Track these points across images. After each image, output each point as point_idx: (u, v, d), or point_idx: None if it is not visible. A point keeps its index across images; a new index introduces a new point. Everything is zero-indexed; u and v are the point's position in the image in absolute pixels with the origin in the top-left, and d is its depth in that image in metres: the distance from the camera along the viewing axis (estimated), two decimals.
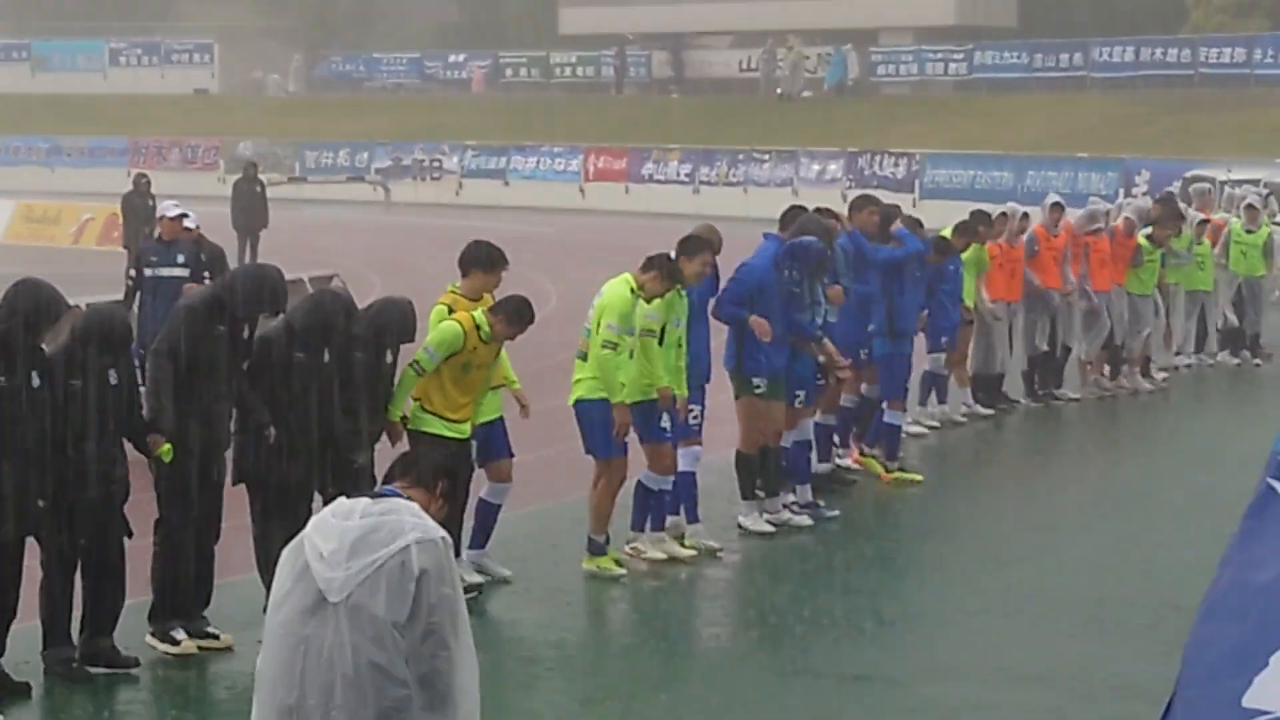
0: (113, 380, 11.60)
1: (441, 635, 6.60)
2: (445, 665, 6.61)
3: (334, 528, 6.67)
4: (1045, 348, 22.75)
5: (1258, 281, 27.15)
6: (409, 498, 6.89)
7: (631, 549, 14.76)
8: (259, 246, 36.81)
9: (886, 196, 33.23)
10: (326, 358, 12.59)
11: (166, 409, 11.81)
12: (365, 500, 6.80)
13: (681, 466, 15.12)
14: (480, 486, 13.98)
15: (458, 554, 13.59)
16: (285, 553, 6.81)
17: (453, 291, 13.71)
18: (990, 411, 22.18)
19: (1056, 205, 23.20)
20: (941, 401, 21.45)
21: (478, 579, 13.86)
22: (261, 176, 39.79)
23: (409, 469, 7.13)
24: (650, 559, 14.77)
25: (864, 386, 18.36)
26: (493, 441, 13.98)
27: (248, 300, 12.34)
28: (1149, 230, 23.95)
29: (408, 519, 6.66)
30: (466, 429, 13.42)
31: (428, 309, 13.73)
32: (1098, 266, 23.12)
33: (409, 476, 7.07)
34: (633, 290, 14.20)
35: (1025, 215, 22.80)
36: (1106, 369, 23.96)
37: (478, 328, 13.25)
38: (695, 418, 15.28)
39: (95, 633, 11.70)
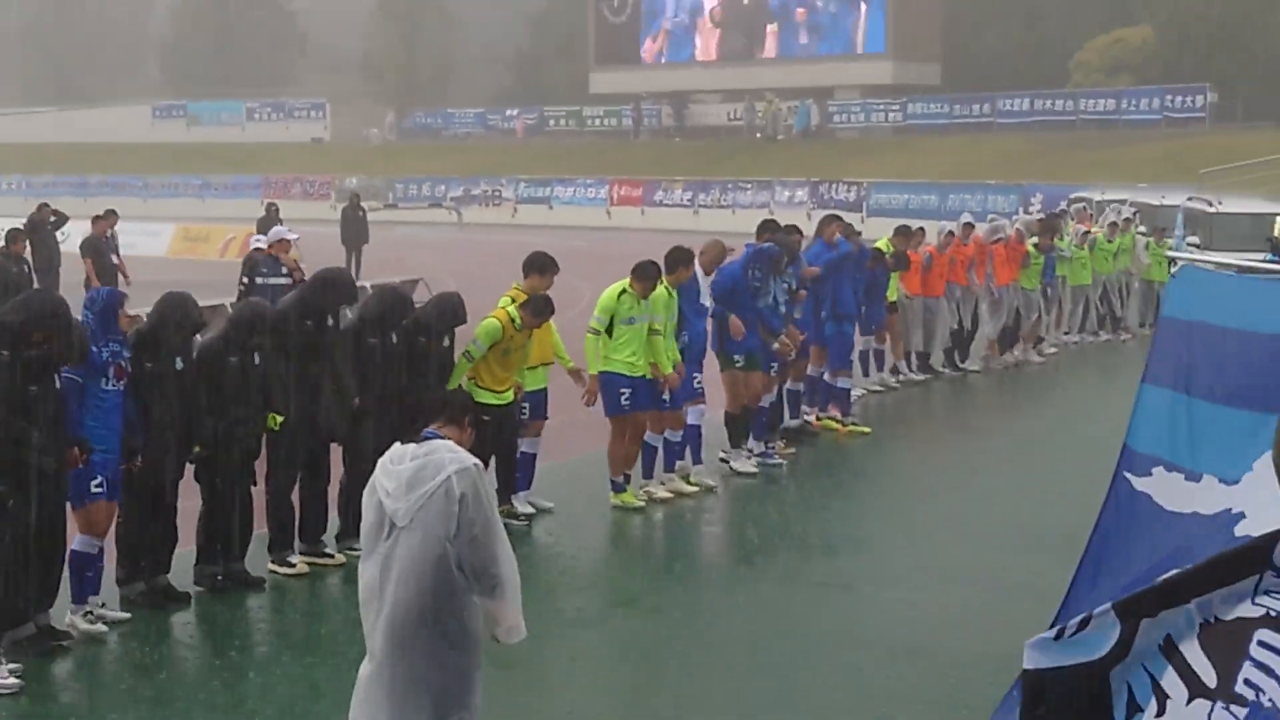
0: (256, 361, 11.59)
1: (483, 539, 6.85)
2: (490, 561, 6.86)
3: (392, 471, 6.94)
4: (955, 327, 22.79)
5: (1114, 279, 27.59)
6: (444, 436, 7.07)
7: (644, 492, 14.73)
8: (362, 259, 36.80)
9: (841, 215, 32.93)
10: (395, 340, 12.63)
11: (274, 389, 11.80)
12: (412, 445, 7.00)
13: (690, 420, 15.12)
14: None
15: (510, 495, 13.66)
16: (365, 491, 7.09)
17: (516, 288, 13.66)
18: (921, 378, 22.24)
19: (968, 224, 23.24)
20: (879, 370, 21.53)
21: (529, 510, 13.90)
22: (363, 204, 39.69)
23: (441, 410, 7.28)
24: (660, 498, 14.73)
25: (809, 366, 18.28)
26: (535, 406, 13.99)
27: (327, 297, 12.30)
28: (1034, 239, 24.05)
29: (445, 455, 6.91)
30: (509, 396, 13.44)
31: (490, 303, 13.75)
32: (999, 267, 23.24)
33: (442, 417, 7.22)
34: (624, 291, 14.18)
35: (950, 233, 22.73)
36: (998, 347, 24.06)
37: (512, 320, 13.27)
38: (699, 383, 15.23)
39: (231, 558, 11.72)
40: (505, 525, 12.61)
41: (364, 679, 7.00)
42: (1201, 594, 4.86)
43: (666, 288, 14.53)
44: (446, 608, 6.83)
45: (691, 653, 10.52)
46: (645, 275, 14.19)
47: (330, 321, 12.31)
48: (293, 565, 12.10)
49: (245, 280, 19.92)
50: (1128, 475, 6.70)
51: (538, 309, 13.39)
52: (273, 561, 12.12)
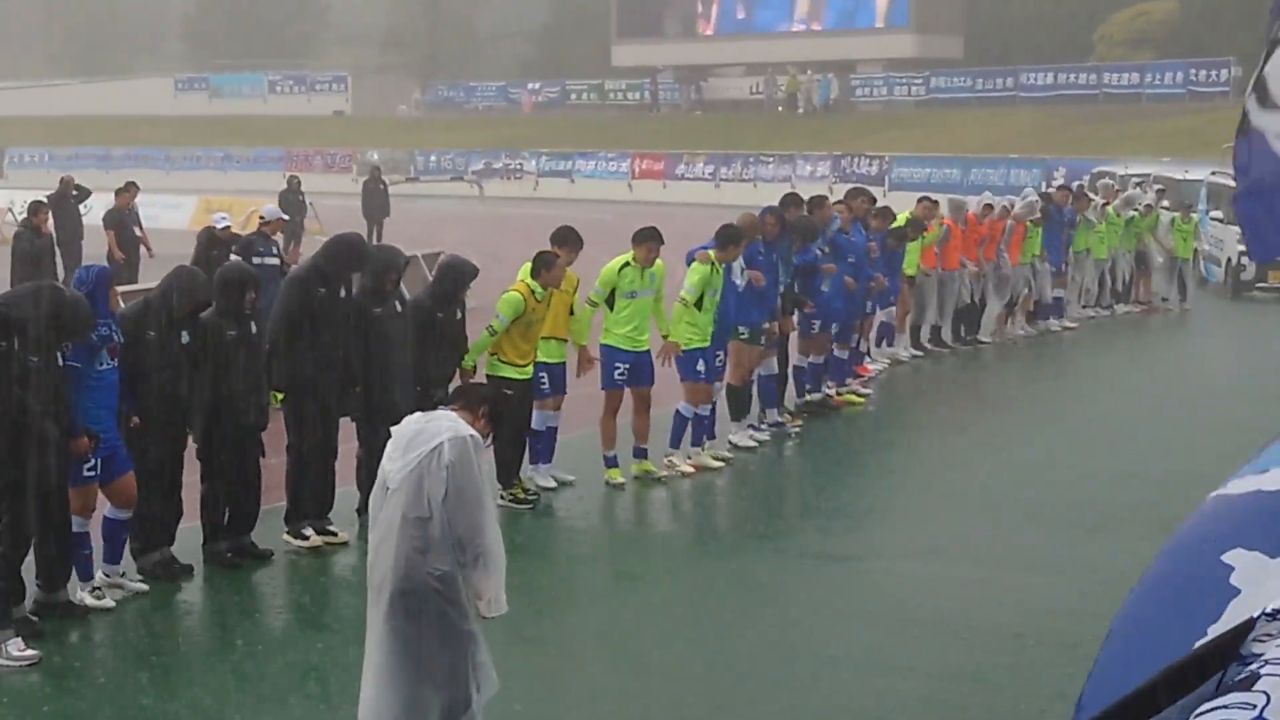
0: (253, 330, 11.56)
1: (470, 509, 6.99)
2: (475, 532, 7.00)
3: (396, 435, 7.20)
4: (968, 300, 22.86)
5: (1121, 252, 27.44)
6: (457, 415, 7.27)
7: (668, 463, 14.76)
8: (383, 232, 36.89)
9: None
10: (399, 309, 12.54)
11: (280, 362, 11.81)
12: (419, 414, 7.30)
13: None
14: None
15: (521, 471, 13.68)
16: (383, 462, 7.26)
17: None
18: (921, 353, 22.33)
19: (988, 205, 23.23)
20: (890, 345, 21.61)
21: (550, 484, 13.92)
22: (384, 178, 39.79)
23: (460, 395, 7.66)
24: (683, 471, 14.76)
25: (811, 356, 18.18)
26: (555, 380, 13.96)
27: (338, 264, 12.23)
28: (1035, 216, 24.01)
29: (444, 424, 7.11)
30: (530, 371, 13.46)
31: (511, 277, 13.78)
32: (1015, 245, 23.31)
33: (459, 400, 7.53)
34: (626, 265, 14.18)
35: (968, 209, 22.82)
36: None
37: (533, 292, 13.30)
38: (720, 362, 15.29)
39: (239, 531, 11.74)
40: (518, 500, 12.75)
41: (367, 646, 7.19)
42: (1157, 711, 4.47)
43: (714, 263, 14.57)
44: (430, 570, 6.95)
45: (702, 626, 10.60)
46: (645, 238, 14.16)
47: (342, 291, 12.26)
48: (306, 537, 12.09)
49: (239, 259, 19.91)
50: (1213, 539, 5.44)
51: (542, 267, 13.36)
52: (288, 533, 12.12)
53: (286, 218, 20.69)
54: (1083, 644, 9.96)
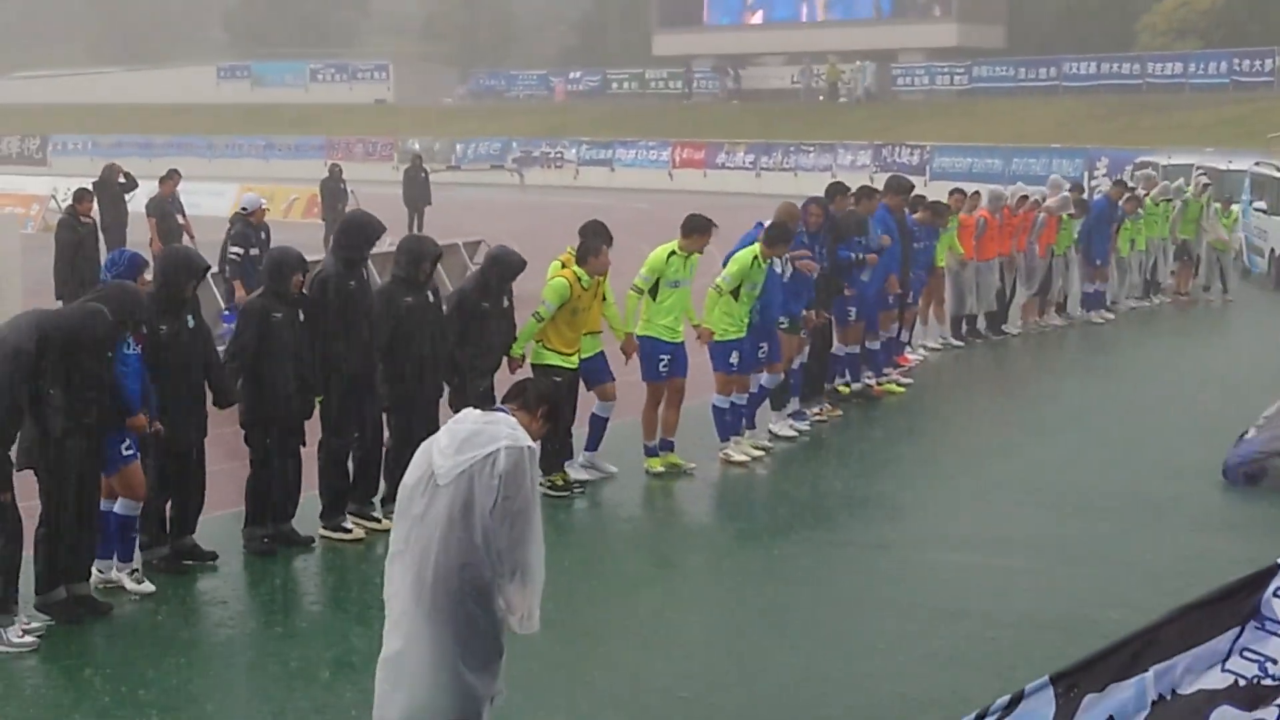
0: (300, 318, 11.55)
1: (516, 521, 6.79)
2: (518, 545, 6.81)
3: (453, 429, 6.96)
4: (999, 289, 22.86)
5: (1156, 243, 27.30)
6: (515, 416, 7.05)
7: (723, 455, 14.77)
8: (424, 220, 36.98)
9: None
10: (431, 299, 12.41)
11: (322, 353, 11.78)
12: (479, 412, 7.03)
13: (765, 383, 15.43)
14: (590, 405, 14.05)
15: (572, 455, 13.74)
16: (420, 448, 7.11)
17: (569, 251, 13.60)
18: (962, 344, 22.31)
19: (1024, 196, 23.16)
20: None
21: (585, 476, 13.89)
22: (426, 166, 39.85)
23: (519, 394, 7.23)
24: (736, 460, 14.76)
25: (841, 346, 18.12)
26: (598, 371, 13.96)
27: (354, 245, 12.15)
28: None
29: (503, 429, 6.88)
30: (575, 361, 13.46)
31: (546, 265, 13.77)
32: (1046, 237, 23.24)
33: (518, 400, 7.18)
34: (673, 253, 14.12)
35: (1004, 201, 22.77)
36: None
37: (579, 279, 13.31)
38: (763, 353, 15.26)
39: (280, 519, 11.76)
40: (559, 492, 12.69)
41: (390, 646, 6.98)
42: (1167, 658, 4.35)
43: (757, 257, 14.57)
44: (471, 576, 6.81)
45: (738, 615, 10.62)
46: (695, 228, 14.09)
47: (365, 275, 12.25)
48: (348, 530, 12.05)
49: (238, 251, 19.80)
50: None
51: (584, 256, 13.37)
52: (325, 527, 12.09)
53: (267, 207, 20.67)
54: (1115, 631, 9.94)
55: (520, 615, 6.88)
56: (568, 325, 13.34)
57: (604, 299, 13.82)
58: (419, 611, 6.85)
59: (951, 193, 21.98)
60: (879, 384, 18.46)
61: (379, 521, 12.08)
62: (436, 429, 7.30)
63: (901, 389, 18.63)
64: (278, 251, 12.04)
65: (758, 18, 73.41)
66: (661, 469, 14.31)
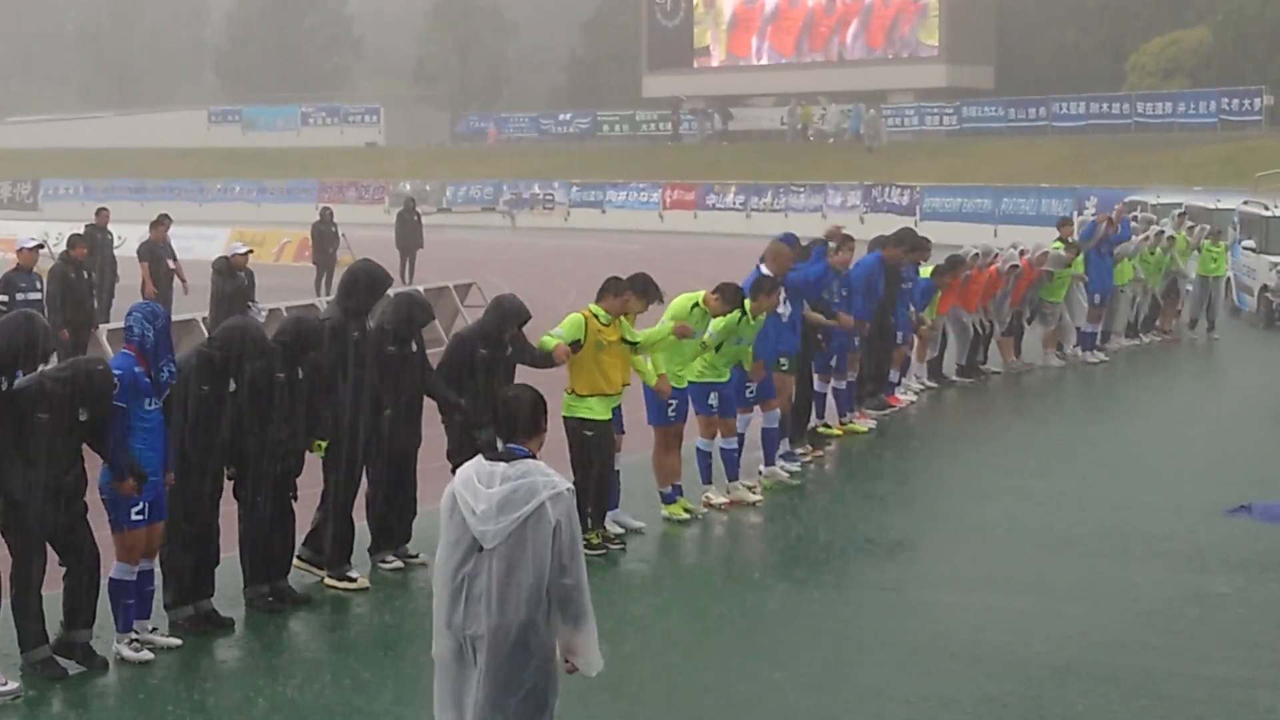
0: (300, 375, 11.31)
1: (572, 569, 6.81)
2: (576, 589, 6.84)
3: (483, 493, 6.81)
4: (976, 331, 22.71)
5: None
6: (529, 450, 6.96)
7: (705, 500, 14.69)
8: (416, 263, 36.99)
9: (894, 220, 32.79)
10: (414, 349, 12.29)
11: (323, 412, 11.59)
12: (502, 465, 6.86)
13: (764, 425, 15.51)
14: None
15: (602, 517, 13.46)
16: (443, 507, 6.97)
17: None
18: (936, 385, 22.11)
19: (981, 253, 22.95)
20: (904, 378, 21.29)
21: (619, 530, 13.64)
22: (417, 208, 39.88)
23: (516, 427, 7.00)
24: (716, 504, 14.67)
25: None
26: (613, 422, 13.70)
27: (363, 297, 12.08)
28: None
29: (539, 479, 6.81)
30: (608, 411, 13.12)
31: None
32: (1022, 287, 23.07)
33: (523, 433, 7.00)
34: (696, 305, 14.06)
35: (976, 255, 22.64)
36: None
37: (595, 315, 13.03)
38: (751, 393, 15.22)
39: (275, 575, 11.46)
40: (592, 547, 12.49)
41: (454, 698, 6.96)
42: None
43: (745, 314, 14.46)
44: (541, 635, 6.81)
45: (749, 659, 10.54)
46: (729, 299, 14.03)
47: (368, 326, 12.11)
48: (353, 580, 11.88)
49: (4, 299, 18.01)
50: None
51: (611, 288, 13.17)
52: (330, 577, 11.93)
53: (41, 245, 19.51)
54: (1126, 676, 9.94)
55: (586, 659, 6.95)
56: (596, 365, 12.96)
57: (631, 345, 13.35)
58: (474, 672, 6.86)
59: (949, 259, 21.75)
60: (842, 424, 18.39)
61: (416, 557, 12.25)
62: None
63: (865, 430, 18.48)
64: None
65: (741, 59, 73.72)
66: (686, 514, 14.23)
